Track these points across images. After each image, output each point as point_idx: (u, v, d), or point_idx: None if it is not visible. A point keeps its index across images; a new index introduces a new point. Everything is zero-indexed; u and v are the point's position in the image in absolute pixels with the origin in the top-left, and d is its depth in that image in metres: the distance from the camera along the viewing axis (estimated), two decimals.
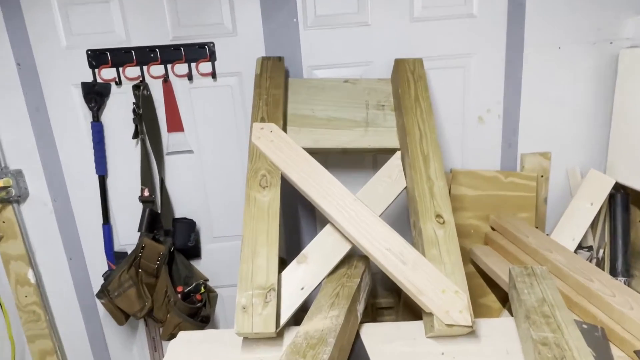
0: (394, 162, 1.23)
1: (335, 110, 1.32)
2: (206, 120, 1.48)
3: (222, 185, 1.54)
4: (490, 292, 1.47)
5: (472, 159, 1.54)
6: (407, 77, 1.30)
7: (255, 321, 0.92)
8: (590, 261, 1.39)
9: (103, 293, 1.41)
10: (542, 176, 1.54)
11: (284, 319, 0.96)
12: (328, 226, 1.10)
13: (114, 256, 1.53)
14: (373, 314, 1.51)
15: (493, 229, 1.49)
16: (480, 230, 1.50)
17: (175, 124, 1.46)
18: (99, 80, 1.41)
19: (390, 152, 1.27)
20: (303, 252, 1.07)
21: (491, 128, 1.52)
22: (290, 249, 1.59)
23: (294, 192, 1.14)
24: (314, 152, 1.29)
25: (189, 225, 1.51)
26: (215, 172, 1.52)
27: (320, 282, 1.06)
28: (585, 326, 0.94)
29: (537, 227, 1.53)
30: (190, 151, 1.49)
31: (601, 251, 1.43)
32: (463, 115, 1.51)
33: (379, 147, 1.27)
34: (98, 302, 1.50)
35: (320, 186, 1.09)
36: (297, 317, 0.99)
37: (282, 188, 1.10)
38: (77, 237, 1.52)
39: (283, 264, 1.42)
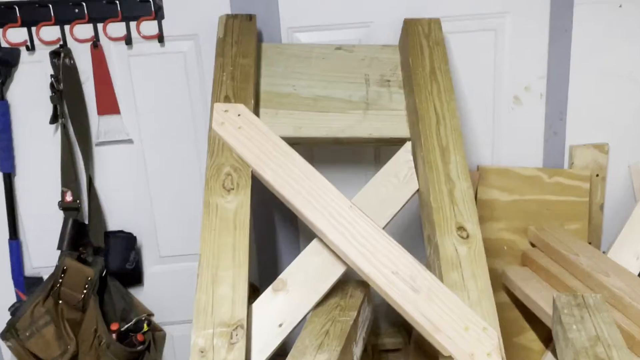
0: (403, 156, 1.24)
1: (324, 87, 1.32)
2: (151, 99, 1.48)
3: (173, 186, 1.53)
4: (529, 328, 1.48)
5: (506, 152, 1.55)
6: (420, 44, 1.32)
7: None
8: None
9: (10, 333, 1.40)
10: (597, 175, 1.56)
11: None
12: (315, 242, 1.11)
13: (24, 283, 1.51)
14: (375, 358, 1.52)
15: (533, 245, 1.51)
16: (515, 246, 1.52)
17: (109, 105, 1.46)
18: (3, 44, 1.40)
19: (398, 143, 1.28)
20: (281, 276, 1.08)
21: (531, 111, 1.53)
22: (264, 272, 1.59)
23: (270, 196, 1.14)
24: (296, 143, 1.29)
25: (128, 241, 1.51)
26: (162, 169, 1.52)
27: (305, 317, 1.07)
28: None
29: (590, 243, 1.56)
30: (129, 141, 1.50)
31: None
32: (494, 95, 1.52)
33: (382, 137, 1.28)
34: (3, 345, 1.48)
35: (304, 189, 1.09)
36: None
37: (253, 190, 1.11)
38: None
39: (255, 292, 1.43)
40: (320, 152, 1.52)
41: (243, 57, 1.27)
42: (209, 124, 1.18)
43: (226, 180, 1.10)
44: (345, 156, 1.54)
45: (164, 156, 1.52)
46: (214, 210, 1.07)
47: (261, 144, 1.13)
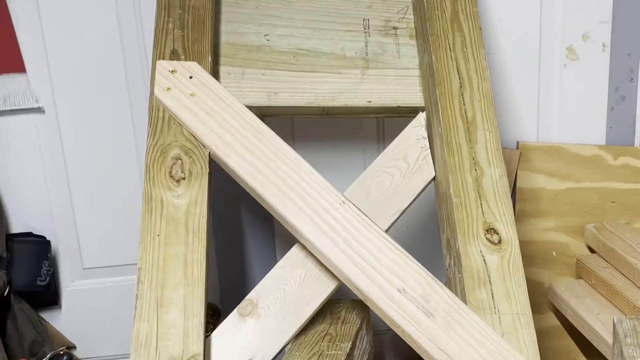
0: (415, 132, 1.27)
1: (308, 37, 1.33)
2: (69, 52, 1.49)
3: (100, 173, 1.55)
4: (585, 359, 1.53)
5: (557, 125, 1.60)
6: None
7: None
8: None
9: None
10: None
11: None
12: (295, 249, 1.13)
13: None
14: None
15: (591, 250, 1.54)
16: (568, 251, 1.55)
17: (9, 60, 1.48)
18: None
19: (408, 114, 1.29)
20: (250, 295, 1.11)
21: (590, 69, 1.57)
22: (227, 289, 1.62)
23: (235, 186, 1.15)
24: (271, 114, 1.34)
25: (39, 248, 1.53)
26: (85, 148, 1.55)
27: (282, 350, 1.08)
28: None
29: None
30: (39, 109, 1.52)
31: None
32: (540, 47, 1.55)
33: (386, 105, 1.30)
34: None
35: (280, 179, 1.11)
36: None
37: (211, 179, 1.12)
38: None
39: (215, 316, 1.46)
40: (304, 125, 1.54)
41: None
42: (149, 88, 1.18)
43: (174, 166, 1.11)
44: (338, 131, 1.57)
45: (87, 131, 1.54)
46: (158, 208, 1.08)
47: (222, 118, 1.14)
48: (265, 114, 1.31)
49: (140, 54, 1.50)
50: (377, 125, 1.58)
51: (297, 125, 1.56)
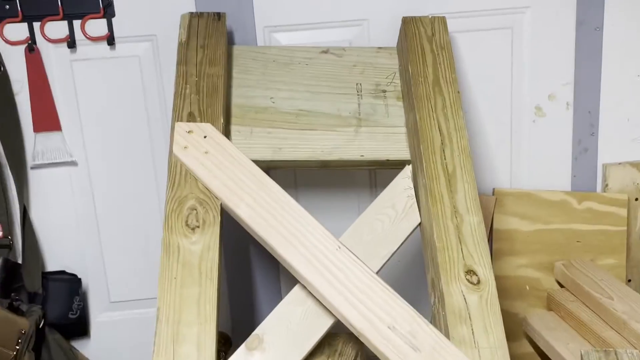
0: (402, 183, 1.27)
1: (308, 99, 1.34)
2: (99, 113, 1.50)
3: (125, 217, 1.55)
4: None
5: (527, 173, 1.59)
6: (421, 48, 1.35)
7: None
8: None
9: None
10: (636, 199, 1.60)
11: None
12: (297, 289, 1.13)
13: None
14: None
15: (560, 284, 1.54)
16: (539, 286, 1.54)
17: (47, 120, 1.48)
18: None
19: (396, 166, 1.30)
20: (257, 331, 1.10)
21: (556, 124, 1.58)
22: (238, 319, 1.61)
23: (244, 231, 1.16)
24: (276, 167, 1.35)
25: (71, 285, 1.52)
26: (113, 196, 1.54)
27: None
28: None
29: (629, 281, 1.59)
30: (73, 163, 1.52)
31: None
32: (512, 105, 1.56)
33: (377, 159, 1.30)
34: None
35: (283, 226, 1.11)
36: None
37: (223, 225, 1.12)
38: None
39: (227, 343, 1.43)
40: (305, 175, 1.55)
41: (210, 64, 1.29)
42: (169, 146, 1.20)
43: (190, 216, 1.11)
44: (335, 180, 1.57)
45: (114, 181, 1.53)
46: (175, 254, 1.08)
47: (233, 172, 1.15)
48: (271, 167, 1.32)
49: (162, 113, 1.51)
50: (370, 175, 1.59)
51: (299, 175, 1.56)
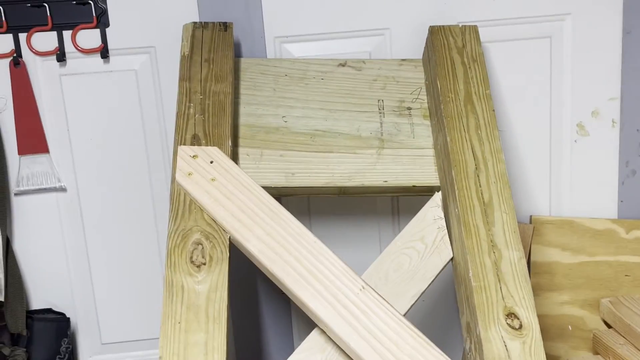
0: (431, 212, 1.22)
1: (324, 119, 1.31)
2: (90, 133, 1.47)
3: (118, 250, 1.51)
4: None
5: (568, 198, 1.55)
6: (451, 60, 1.30)
7: None
8: None
9: None
10: None
11: None
12: (315, 334, 1.07)
13: None
14: None
15: (607, 324, 1.47)
16: (583, 326, 1.48)
17: (34, 141, 1.45)
18: None
19: (424, 192, 1.26)
20: None
21: (600, 144, 1.53)
22: None
23: (251, 263, 1.12)
24: (288, 195, 1.31)
25: (58, 325, 1.47)
26: (105, 226, 1.51)
27: None
28: None
29: None
30: (61, 188, 1.48)
31: None
32: (551, 124, 1.52)
33: (402, 185, 1.26)
34: None
35: (299, 262, 1.06)
36: None
37: (232, 261, 1.08)
38: None
39: None
40: (319, 201, 1.52)
41: (217, 81, 1.26)
42: (171, 172, 1.16)
43: (195, 252, 1.06)
44: (353, 207, 1.53)
45: (107, 209, 1.50)
46: (179, 295, 1.02)
47: (242, 202, 1.11)
48: (283, 194, 1.29)
49: (161, 135, 1.48)
50: (392, 200, 1.54)
51: (313, 201, 1.52)
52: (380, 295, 1.05)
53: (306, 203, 1.52)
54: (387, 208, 1.54)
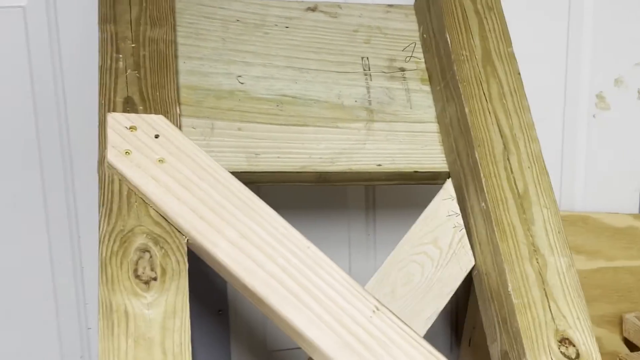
0: (444, 206, 1.13)
1: (293, 80, 1.20)
2: None
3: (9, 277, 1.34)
4: None
5: (582, 188, 1.51)
6: (461, 6, 1.20)
7: None
8: None
9: None
10: None
11: None
12: None
13: None
14: None
15: (631, 344, 1.42)
16: (601, 347, 1.48)
17: None
18: None
19: (427, 180, 1.18)
20: None
21: (624, 120, 1.50)
22: None
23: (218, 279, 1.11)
24: (252, 182, 1.19)
25: None
26: None
27: None
28: None
29: None
30: None
31: None
32: (565, 94, 1.47)
33: (400, 170, 1.16)
34: None
35: (287, 275, 0.95)
36: None
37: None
38: None
39: None
40: (294, 194, 1.42)
41: (153, 24, 1.12)
42: (98, 150, 1.00)
43: (140, 262, 0.92)
44: (316, 196, 1.45)
45: None
46: (122, 323, 0.87)
47: (204, 192, 0.98)
48: (245, 181, 1.13)
49: (57, 97, 1.34)
50: (366, 191, 1.47)
51: (262, 191, 1.36)
52: (399, 319, 0.95)
53: (273, 199, 1.39)
54: (360, 200, 1.46)
